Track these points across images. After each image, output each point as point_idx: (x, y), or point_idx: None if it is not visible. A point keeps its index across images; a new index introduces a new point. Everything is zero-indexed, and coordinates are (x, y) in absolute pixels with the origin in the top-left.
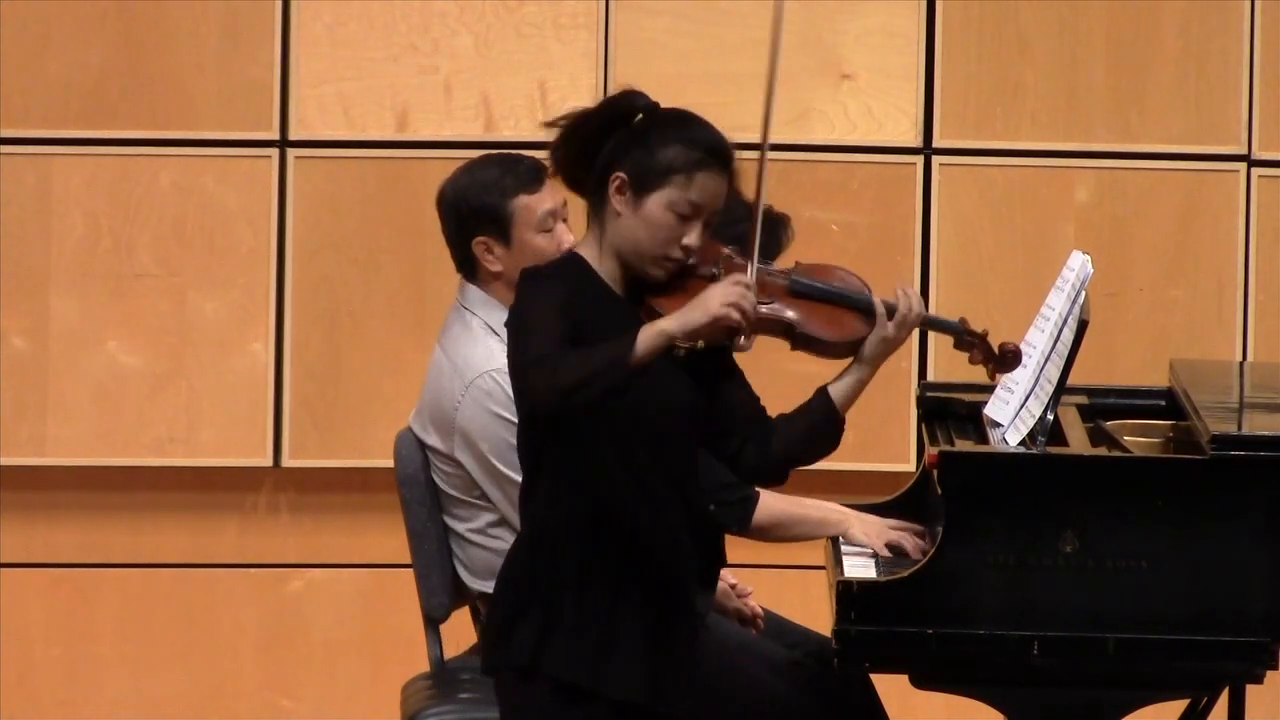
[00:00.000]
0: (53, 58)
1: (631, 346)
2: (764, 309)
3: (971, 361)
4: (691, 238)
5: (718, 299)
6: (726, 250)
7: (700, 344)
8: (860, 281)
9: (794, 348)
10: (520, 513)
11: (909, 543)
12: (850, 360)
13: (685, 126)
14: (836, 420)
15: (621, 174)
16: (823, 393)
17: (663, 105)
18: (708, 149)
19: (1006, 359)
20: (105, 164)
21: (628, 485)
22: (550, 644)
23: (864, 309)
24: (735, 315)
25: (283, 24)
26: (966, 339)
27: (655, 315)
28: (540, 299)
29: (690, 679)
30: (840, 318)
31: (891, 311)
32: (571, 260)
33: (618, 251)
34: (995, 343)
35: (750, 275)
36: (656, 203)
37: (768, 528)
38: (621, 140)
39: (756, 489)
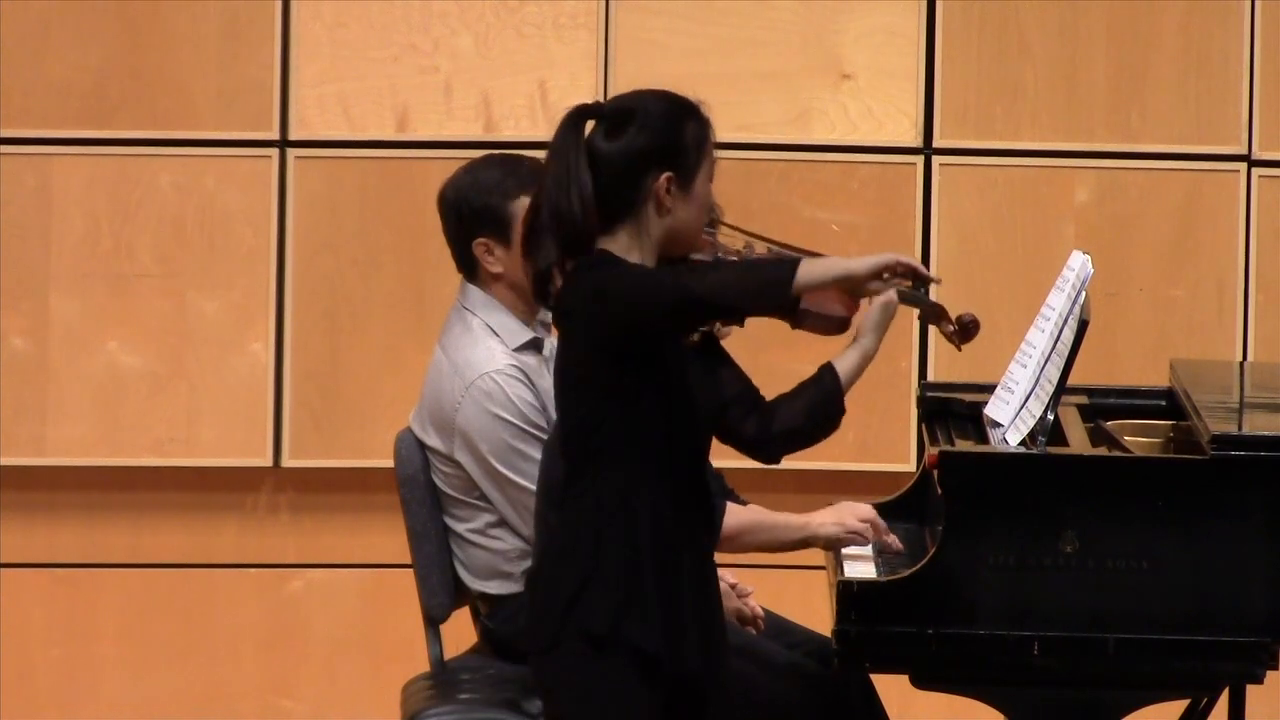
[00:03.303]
0: (53, 58)
1: (793, 276)
2: None
3: (944, 332)
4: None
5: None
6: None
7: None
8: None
9: (795, 326)
10: (571, 480)
11: (867, 528)
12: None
13: (666, 99)
14: (838, 393)
15: (667, 172)
16: (827, 366)
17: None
18: (698, 107)
19: (968, 330)
20: (105, 164)
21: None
22: (629, 613)
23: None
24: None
25: (283, 24)
26: (935, 311)
27: None
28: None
29: (726, 653)
30: (833, 293)
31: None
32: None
33: (667, 243)
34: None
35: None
36: (703, 180)
37: (733, 535)
38: (643, 143)
39: (722, 500)
